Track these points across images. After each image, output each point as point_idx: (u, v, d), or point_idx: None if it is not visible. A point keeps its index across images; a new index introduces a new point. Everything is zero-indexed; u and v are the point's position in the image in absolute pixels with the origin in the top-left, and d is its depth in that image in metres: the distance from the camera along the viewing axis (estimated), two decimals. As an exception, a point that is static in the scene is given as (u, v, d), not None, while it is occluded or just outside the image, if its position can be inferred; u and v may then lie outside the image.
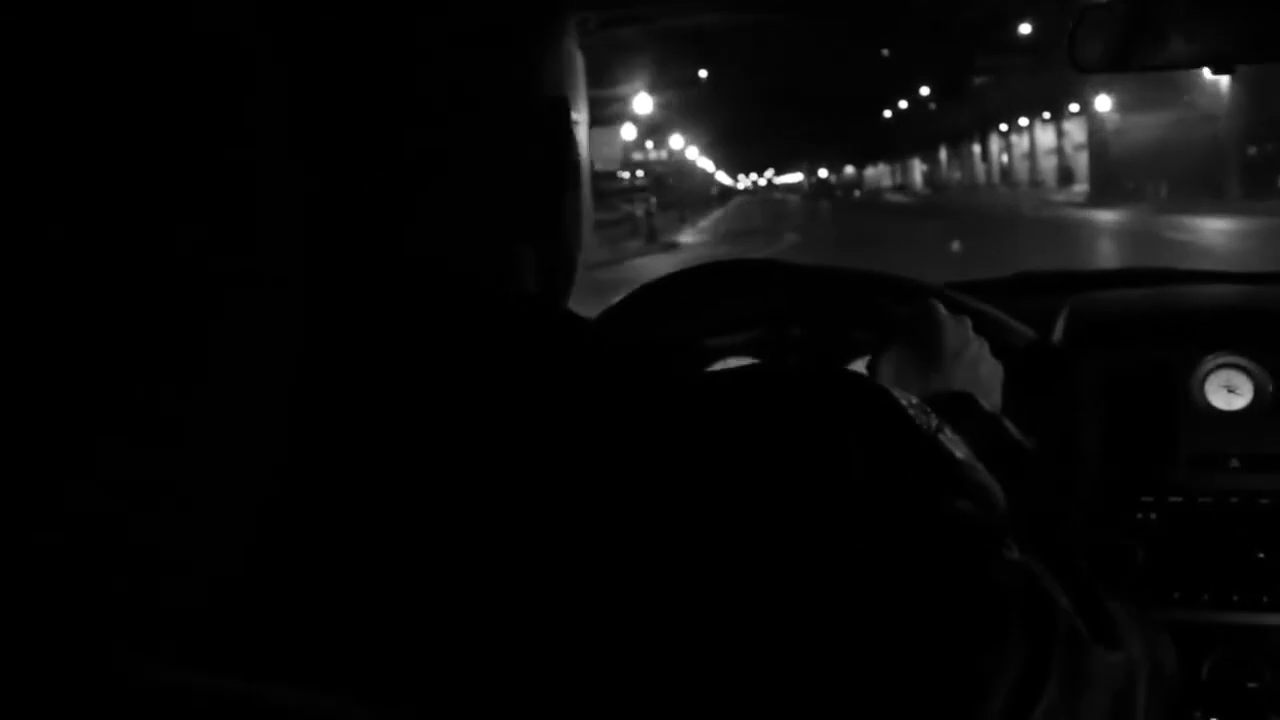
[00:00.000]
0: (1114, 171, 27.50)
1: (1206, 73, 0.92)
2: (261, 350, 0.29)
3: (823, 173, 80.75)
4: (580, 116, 0.45)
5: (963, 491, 0.38)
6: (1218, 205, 18.87)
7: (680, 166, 37.74)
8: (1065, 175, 35.45)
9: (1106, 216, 20.23)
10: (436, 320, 0.37)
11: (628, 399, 0.35)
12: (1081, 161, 32.75)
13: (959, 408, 0.63)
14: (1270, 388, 0.92)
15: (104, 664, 0.26)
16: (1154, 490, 0.91)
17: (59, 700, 0.26)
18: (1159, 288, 1.15)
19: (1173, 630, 0.49)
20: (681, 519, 0.33)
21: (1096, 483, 0.91)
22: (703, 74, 43.59)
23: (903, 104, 57.25)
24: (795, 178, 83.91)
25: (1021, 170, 42.23)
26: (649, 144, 31.81)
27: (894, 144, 65.50)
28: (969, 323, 0.73)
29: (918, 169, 64.64)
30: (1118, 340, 0.99)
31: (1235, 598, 0.89)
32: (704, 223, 31.14)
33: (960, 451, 0.53)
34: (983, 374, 0.71)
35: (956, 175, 54.65)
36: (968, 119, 45.98)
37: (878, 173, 75.37)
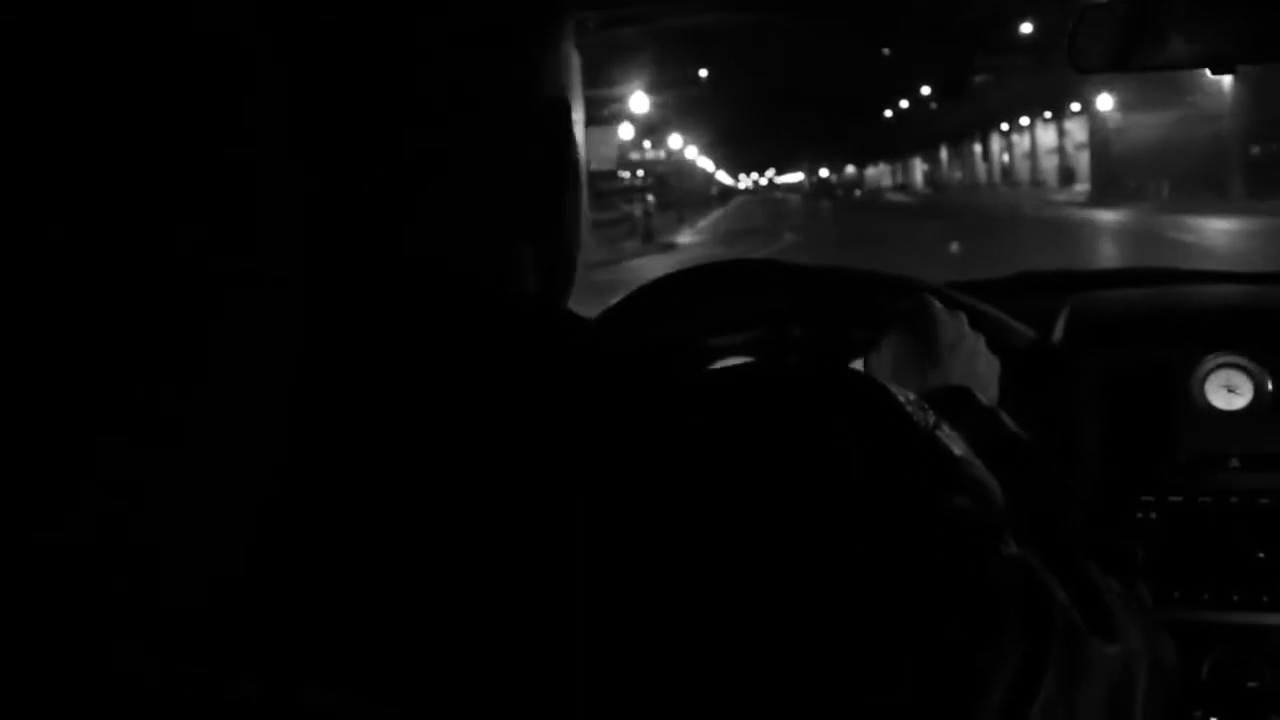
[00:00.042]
0: (1116, 171, 27.48)
1: (1208, 72, 0.92)
2: (261, 350, 0.29)
3: (824, 172, 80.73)
4: (576, 116, 0.45)
5: (960, 488, 0.38)
6: (1221, 205, 18.80)
7: (679, 166, 37.70)
8: (1067, 175, 35.42)
9: (1108, 216, 20.19)
10: (437, 320, 0.37)
11: (628, 399, 0.35)
12: (1083, 161, 32.72)
13: (956, 402, 0.63)
14: (1270, 387, 0.92)
15: (104, 664, 0.26)
16: (1154, 490, 0.92)
17: (59, 700, 0.26)
18: (1159, 287, 1.15)
19: (1173, 630, 0.49)
20: (681, 518, 0.33)
21: (1096, 483, 0.92)
22: (703, 73, 43.59)
23: (904, 103, 57.23)
24: (796, 177, 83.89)
25: (1023, 170, 42.20)
26: (647, 143, 31.75)
27: (895, 143, 65.48)
28: (964, 317, 0.74)
29: (919, 168, 64.62)
30: (1118, 340, 0.99)
31: (1235, 597, 0.89)
32: (703, 223, 31.07)
33: (958, 448, 0.53)
34: (979, 368, 0.71)
35: (957, 175, 54.63)
36: (969, 118, 45.95)
37: (878, 172, 75.35)
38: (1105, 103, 28.17)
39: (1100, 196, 27.04)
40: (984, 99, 41.71)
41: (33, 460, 0.25)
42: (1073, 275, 1.23)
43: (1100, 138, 29.17)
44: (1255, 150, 21.22)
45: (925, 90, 51.66)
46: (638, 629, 0.32)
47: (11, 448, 0.25)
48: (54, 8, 0.26)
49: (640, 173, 29.00)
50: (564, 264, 0.46)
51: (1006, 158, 45.15)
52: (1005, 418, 0.64)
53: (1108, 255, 12.63)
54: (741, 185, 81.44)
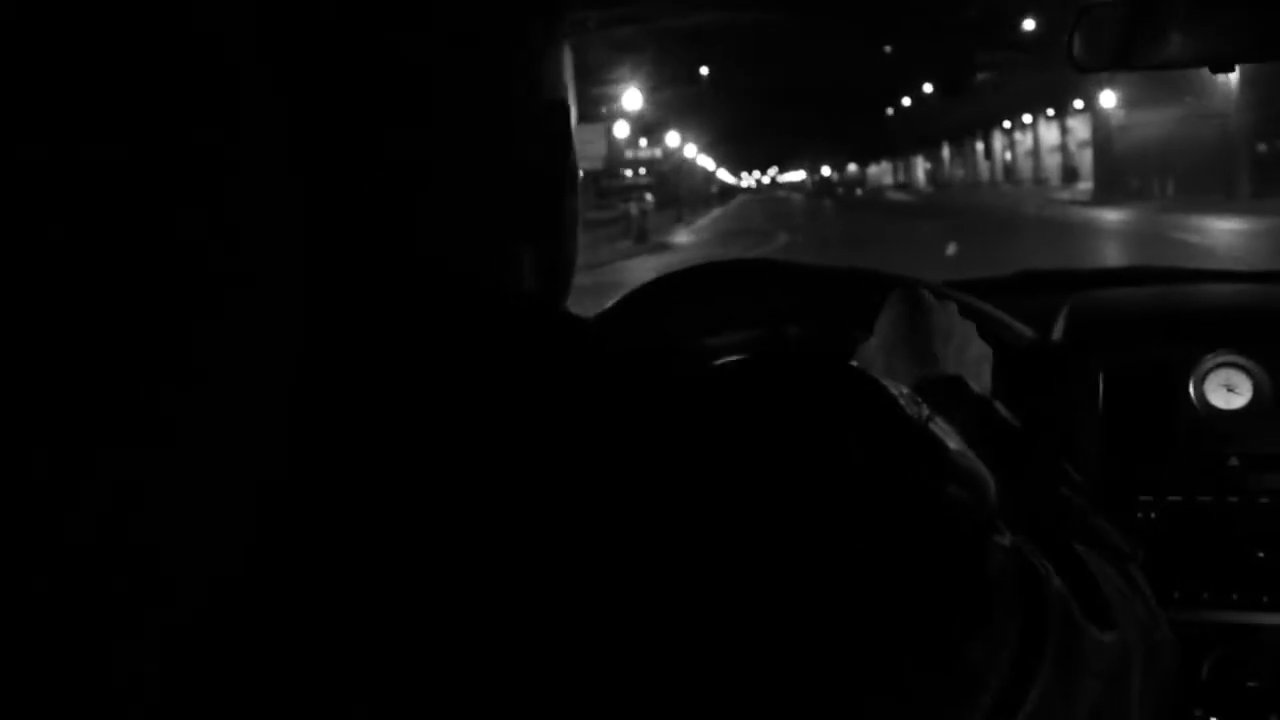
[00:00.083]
0: (1119, 169, 27.41)
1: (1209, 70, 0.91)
2: (261, 350, 0.29)
3: (825, 171, 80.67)
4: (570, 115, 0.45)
5: (954, 480, 0.38)
6: (1226, 204, 18.67)
7: (679, 164, 37.61)
8: (1070, 173, 35.37)
9: (1111, 216, 20.10)
10: (437, 321, 0.37)
11: (627, 399, 0.35)
12: (1086, 159, 32.67)
13: (949, 391, 0.64)
14: (1270, 387, 0.92)
15: (104, 664, 0.26)
16: (1153, 490, 0.91)
17: (59, 700, 0.26)
18: (1159, 286, 1.15)
19: (1172, 630, 0.49)
20: (680, 519, 0.33)
21: (1096, 482, 0.91)
22: (704, 71, 43.55)
23: (906, 101, 57.18)
24: (798, 176, 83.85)
25: (1025, 168, 42.15)
26: (643, 141, 31.66)
27: (897, 141, 65.43)
28: (954, 307, 0.74)
29: (921, 167, 64.55)
30: (1117, 339, 0.98)
31: (1235, 597, 0.89)
32: (702, 222, 30.92)
33: (952, 441, 0.52)
34: (971, 357, 0.71)
35: (960, 173, 54.57)
36: (971, 116, 45.92)
37: (880, 170, 75.30)
38: (1109, 100, 28.10)
39: (1103, 195, 26.98)
40: (986, 96, 41.67)
41: (33, 460, 0.25)
42: (1072, 274, 1.22)
43: (1103, 135, 29.10)
44: (1262, 148, 21.05)
45: (927, 88, 51.61)
46: (637, 629, 0.32)
47: (12, 448, 0.25)
48: (53, 8, 0.25)
49: (643, 170, 28.95)
50: (562, 264, 0.46)
51: (1009, 156, 45.08)
52: (999, 406, 0.64)
53: (1110, 257, 12.52)
54: (744, 184, 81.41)
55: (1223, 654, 0.88)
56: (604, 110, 25.29)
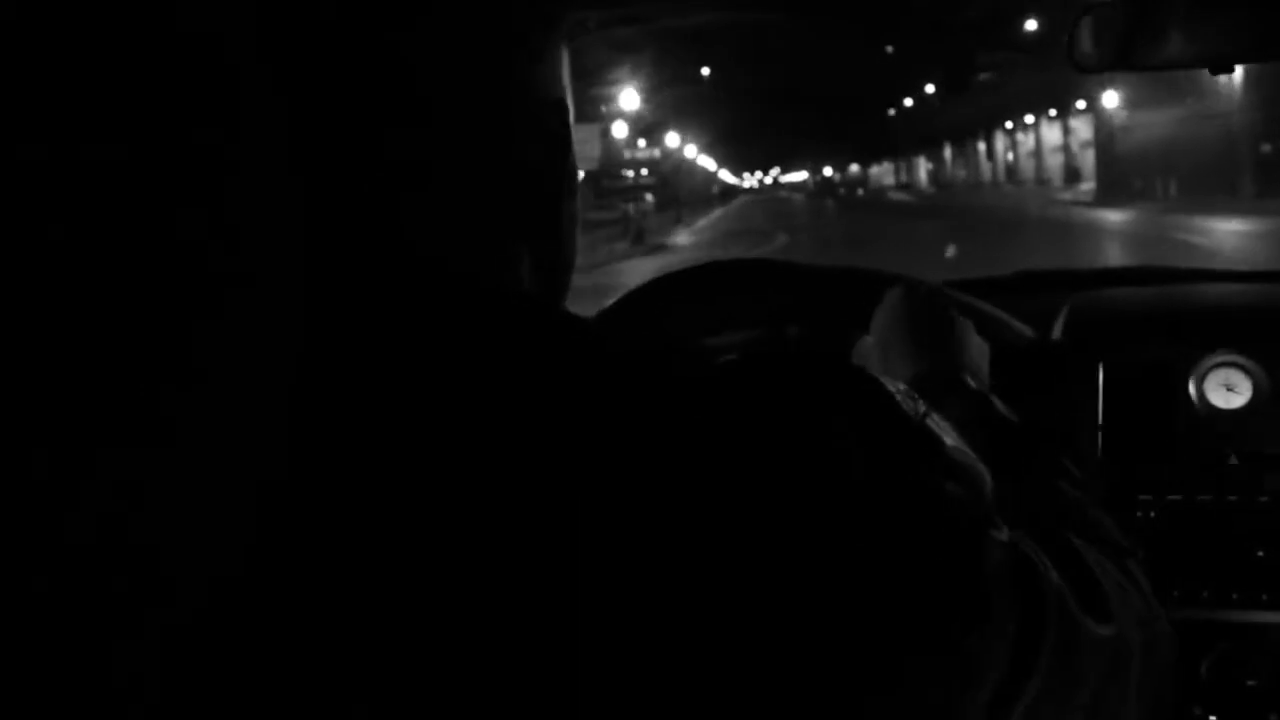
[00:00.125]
0: (1122, 169, 27.29)
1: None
2: (261, 350, 0.29)
3: (827, 171, 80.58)
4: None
5: (951, 476, 0.39)
6: (1230, 205, 18.47)
7: (679, 165, 37.48)
8: (1072, 173, 35.25)
9: (1114, 217, 19.97)
10: (437, 321, 0.37)
11: (627, 399, 0.36)
12: (1089, 159, 32.55)
13: (947, 388, 0.63)
14: (1269, 386, 0.91)
15: (104, 664, 0.26)
16: (1153, 489, 0.91)
17: (59, 700, 0.26)
18: (1158, 286, 1.15)
19: (1172, 628, 0.49)
20: (679, 519, 0.33)
21: (1096, 481, 0.90)
22: (705, 72, 43.45)
23: (907, 101, 57.07)
24: (801, 176, 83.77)
25: (1027, 168, 42.03)
26: (641, 142, 31.50)
27: (899, 142, 65.31)
28: (951, 304, 0.73)
29: (923, 167, 64.42)
30: (1117, 339, 0.98)
31: (1234, 596, 0.89)
32: (702, 223, 30.69)
33: (948, 436, 0.52)
34: (969, 352, 0.70)
35: (962, 174, 54.44)
36: (973, 116, 45.79)
37: (882, 171, 75.19)
38: (1111, 100, 27.98)
39: (1106, 196, 26.86)
40: (988, 96, 41.54)
41: (33, 460, 0.25)
42: (1072, 274, 1.22)
43: (1105, 135, 28.97)
44: (1266, 148, 20.89)
45: (929, 88, 51.49)
46: (636, 626, 0.32)
47: (12, 448, 0.25)
48: (51, 8, 0.25)
49: (645, 171, 28.82)
50: (560, 265, 0.46)
51: (1011, 156, 44.95)
52: (996, 401, 0.63)
53: (1112, 259, 12.37)
54: (746, 184, 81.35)
55: (1222, 652, 0.87)
56: (603, 110, 25.17)
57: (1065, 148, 36.12)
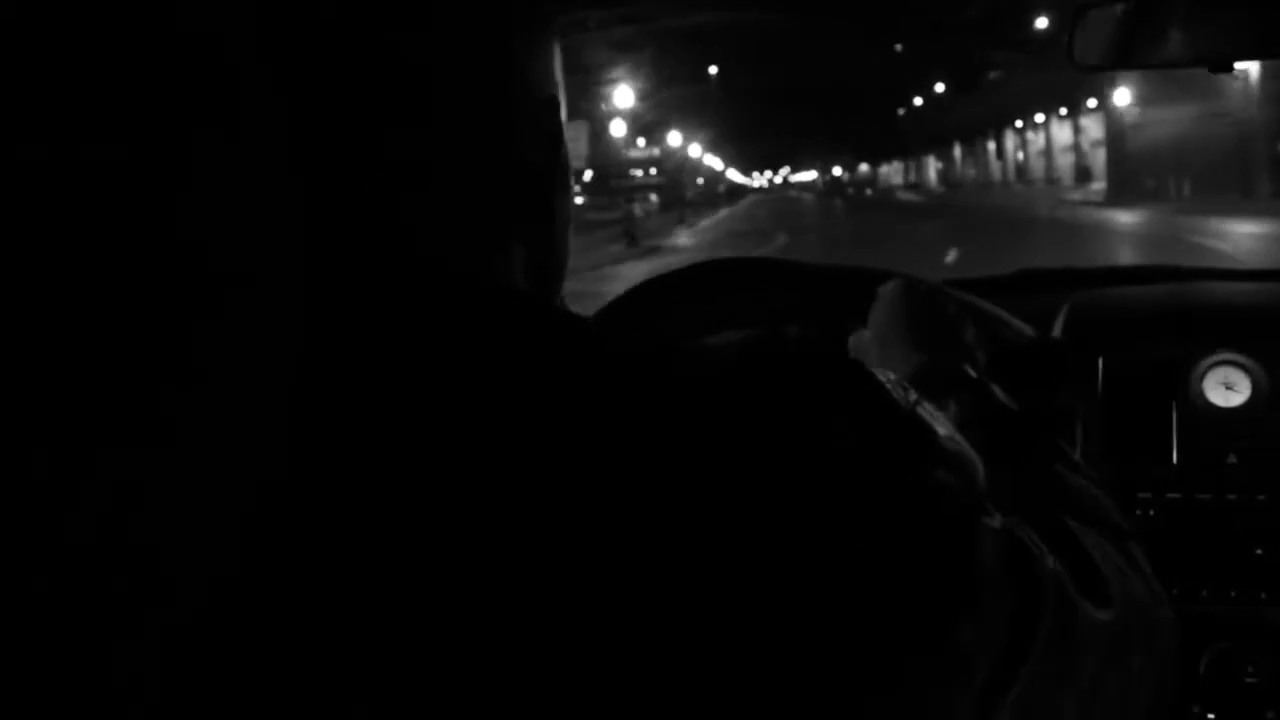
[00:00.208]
0: (1133, 168, 26.81)
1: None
2: (261, 350, 0.29)
3: (837, 170, 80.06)
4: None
5: (942, 465, 0.39)
6: (1246, 205, 18.03)
7: (681, 164, 36.99)
8: (1083, 173, 34.73)
9: (1125, 218, 19.52)
10: (437, 320, 0.37)
11: (626, 398, 0.36)
12: (1099, 158, 32.01)
13: (945, 378, 0.63)
14: (1268, 385, 0.92)
15: (104, 664, 0.26)
16: (1152, 487, 0.91)
17: (59, 700, 0.26)
18: (1158, 285, 1.14)
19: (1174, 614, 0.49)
20: (678, 518, 0.34)
21: (1095, 480, 0.90)
22: (713, 70, 43.02)
23: (917, 100, 56.54)
24: (810, 175, 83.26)
25: (1037, 167, 41.47)
26: (641, 140, 31.09)
27: (908, 141, 64.75)
28: (948, 297, 0.74)
29: (932, 167, 63.83)
30: (1117, 338, 0.99)
31: (1233, 594, 0.89)
32: (705, 223, 30.00)
33: (940, 425, 0.52)
34: (968, 343, 0.70)
35: (971, 173, 53.86)
36: (983, 115, 45.28)
37: (891, 170, 74.63)
38: (1122, 98, 27.43)
39: (1117, 196, 26.39)
40: (998, 95, 41.01)
41: (33, 460, 0.25)
42: (1073, 273, 1.21)
43: (1117, 134, 28.41)
44: (1282, 147, 20.36)
45: (939, 87, 50.92)
46: (635, 624, 0.32)
47: (12, 448, 0.25)
48: (54, 8, 0.25)
49: (654, 170, 28.43)
50: (554, 264, 0.46)
51: (1021, 155, 44.37)
52: (995, 389, 0.63)
53: (1123, 263, 11.81)
54: (755, 184, 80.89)
55: (1221, 650, 0.87)
56: (604, 109, 24.78)
57: (1076, 146, 35.55)
